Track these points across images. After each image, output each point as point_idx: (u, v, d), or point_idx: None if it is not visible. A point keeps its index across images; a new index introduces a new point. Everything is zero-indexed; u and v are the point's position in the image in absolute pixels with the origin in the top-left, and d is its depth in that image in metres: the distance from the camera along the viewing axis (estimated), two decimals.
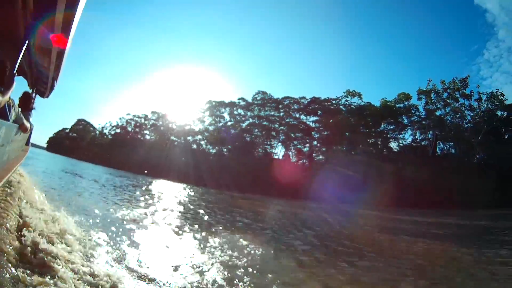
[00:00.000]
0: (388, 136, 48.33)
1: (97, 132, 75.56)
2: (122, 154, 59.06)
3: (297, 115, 54.67)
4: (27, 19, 3.57)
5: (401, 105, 47.36)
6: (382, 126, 48.03)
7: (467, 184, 33.73)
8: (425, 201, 32.26)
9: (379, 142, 48.84)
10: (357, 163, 41.84)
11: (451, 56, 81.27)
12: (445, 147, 44.73)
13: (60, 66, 5.05)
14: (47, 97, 7.54)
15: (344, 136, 48.87)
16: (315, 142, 51.69)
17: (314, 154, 51.02)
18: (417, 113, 46.35)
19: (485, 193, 32.30)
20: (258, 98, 56.93)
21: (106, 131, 73.18)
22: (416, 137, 46.79)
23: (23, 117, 4.27)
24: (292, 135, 53.04)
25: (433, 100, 44.59)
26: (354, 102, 51.15)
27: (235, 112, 57.91)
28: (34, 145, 48.54)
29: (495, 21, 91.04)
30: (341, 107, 51.67)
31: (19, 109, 4.15)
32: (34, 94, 6.82)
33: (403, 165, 39.69)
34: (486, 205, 29.60)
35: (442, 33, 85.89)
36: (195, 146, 59.43)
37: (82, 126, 79.06)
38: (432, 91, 44.71)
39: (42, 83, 6.60)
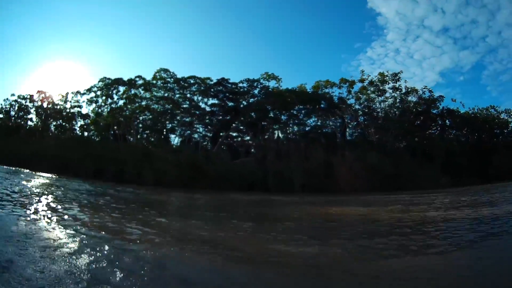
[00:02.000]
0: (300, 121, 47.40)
1: None
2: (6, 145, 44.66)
3: (196, 98, 48.65)
4: None
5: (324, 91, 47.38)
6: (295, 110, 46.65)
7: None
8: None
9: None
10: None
11: (335, 51, 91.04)
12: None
13: None
14: None
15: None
16: (200, 129, 48.25)
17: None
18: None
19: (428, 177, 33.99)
20: (158, 76, 48.90)
21: None
22: (319, 123, 47.83)
23: None
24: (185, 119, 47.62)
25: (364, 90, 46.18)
26: (271, 86, 47.68)
27: (131, 92, 49.29)
28: None
29: (387, 24, 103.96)
30: (255, 91, 47.76)
31: None
32: None
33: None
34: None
35: (330, 30, 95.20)
36: (86, 133, 51.02)
37: None
38: (365, 80, 46.15)
39: None
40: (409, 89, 44.81)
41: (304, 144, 40.36)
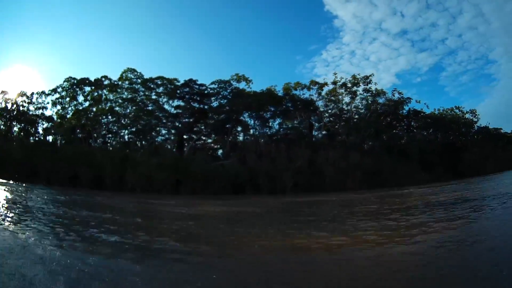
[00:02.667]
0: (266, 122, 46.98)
1: None
2: None
3: (161, 100, 47.22)
4: None
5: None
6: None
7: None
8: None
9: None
10: None
11: (290, 53, 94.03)
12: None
13: None
14: None
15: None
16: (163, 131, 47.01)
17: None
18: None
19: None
20: (124, 77, 47.00)
21: None
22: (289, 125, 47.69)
23: None
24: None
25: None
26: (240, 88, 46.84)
27: (96, 93, 47.44)
28: None
29: (344, 26, 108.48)
30: (225, 92, 46.85)
31: None
32: None
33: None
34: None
35: (286, 32, 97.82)
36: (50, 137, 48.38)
37: None
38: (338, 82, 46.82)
39: None
40: (379, 91, 45.88)
41: (286, 145, 40.51)
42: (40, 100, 49.59)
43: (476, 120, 45.40)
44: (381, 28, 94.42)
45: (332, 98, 46.15)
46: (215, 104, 47.01)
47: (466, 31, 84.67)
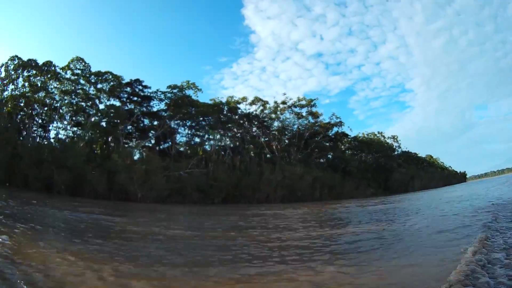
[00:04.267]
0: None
1: None
2: None
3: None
4: None
5: None
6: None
7: None
8: None
9: None
10: None
11: (199, 62, 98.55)
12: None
13: None
14: None
15: None
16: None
17: None
18: None
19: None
20: (72, 66, 43.22)
21: None
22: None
23: None
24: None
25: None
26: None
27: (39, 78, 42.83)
28: None
29: (260, 42, 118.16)
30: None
31: None
32: None
33: None
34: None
35: (199, 40, 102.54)
36: None
37: None
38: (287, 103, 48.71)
39: None
40: (319, 114, 48.85)
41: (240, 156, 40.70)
42: None
43: (398, 144, 52.94)
44: (297, 48, 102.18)
45: (280, 115, 47.91)
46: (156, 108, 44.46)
47: (386, 59, 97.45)
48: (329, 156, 48.12)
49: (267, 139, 46.03)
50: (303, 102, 47.00)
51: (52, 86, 42.56)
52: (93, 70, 43.30)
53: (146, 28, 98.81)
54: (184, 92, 42.77)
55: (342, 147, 51.22)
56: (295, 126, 47.18)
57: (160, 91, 43.52)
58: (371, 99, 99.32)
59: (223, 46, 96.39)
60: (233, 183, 34.30)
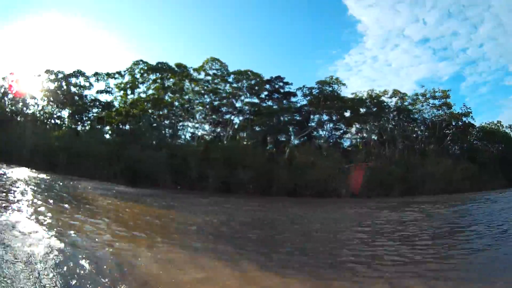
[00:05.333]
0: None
1: None
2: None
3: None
4: None
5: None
6: None
7: None
8: None
9: None
10: None
11: (310, 56, 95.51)
12: None
13: None
14: None
15: None
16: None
17: None
18: None
19: None
20: (207, 68, 43.92)
21: None
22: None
23: None
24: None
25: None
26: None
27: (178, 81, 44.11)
28: None
29: (367, 31, 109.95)
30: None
31: None
32: None
33: None
34: None
35: (308, 35, 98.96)
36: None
37: None
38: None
39: None
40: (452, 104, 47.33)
41: None
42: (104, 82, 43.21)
43: None
44: (404, 34, 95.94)
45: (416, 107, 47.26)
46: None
47: (487, 41, 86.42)
48: (463, 146, 47.24)
49: (406, 131, 46.10)
50: (439, 94, 46.52)
51: (186, 87, 43.91)
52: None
53: (259, 31, 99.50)
54: (332, 87, 43.44)
55: (469, 138, 50.14)
56: (428, 117, 46.95)
57: (306, 87, 44.12)
58: (479, 84, 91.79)
59: (332, 38, 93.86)
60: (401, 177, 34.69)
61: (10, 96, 41.70)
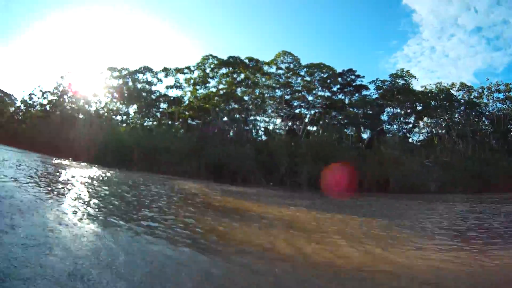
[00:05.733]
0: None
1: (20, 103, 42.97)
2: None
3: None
4: None
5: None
6: None
7: None
8: None
9: None
10: None
11: (368, 47, 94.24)
12: None
13: None
14: None
15: None
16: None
17: None
18: None
19: None
20: (279, 61, 42.91)
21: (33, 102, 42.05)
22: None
23: None
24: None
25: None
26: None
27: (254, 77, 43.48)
28: None
29: (422, 21, 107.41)
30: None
31: None
32: None
33: None
34: None
35: (365, 26, 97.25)
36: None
37: None
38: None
39: None
40: None
41: None
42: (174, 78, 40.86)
43: None
44: (458, 24, 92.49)
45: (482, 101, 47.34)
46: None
47: None
48: None
49: (472, 126, 46.50)
50: (502, 87, 47.22)
51: (258, 81, 42.98)
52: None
53: (318, 24, 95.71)
54: (405, 80, 43.08)
55: None
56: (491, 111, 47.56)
57: (379, 80, 43.66)
58: None
59: (390, 29, 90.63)
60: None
61: (70, 94, 39.16)
